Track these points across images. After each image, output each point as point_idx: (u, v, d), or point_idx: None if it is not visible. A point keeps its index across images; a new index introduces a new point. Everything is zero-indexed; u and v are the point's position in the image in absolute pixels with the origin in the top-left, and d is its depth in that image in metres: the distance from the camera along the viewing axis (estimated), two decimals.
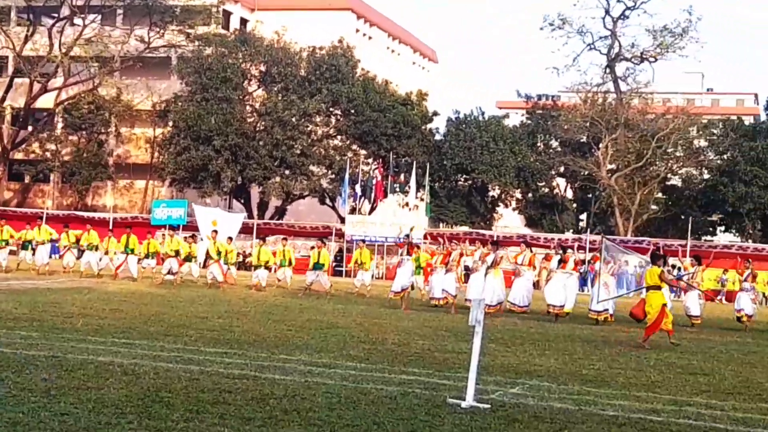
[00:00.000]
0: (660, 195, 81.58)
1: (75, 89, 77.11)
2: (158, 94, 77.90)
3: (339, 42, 76.05)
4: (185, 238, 40.06)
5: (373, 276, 41.97)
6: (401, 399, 11.32)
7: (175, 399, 10.42)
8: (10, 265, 39.17)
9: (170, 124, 75.27)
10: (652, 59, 79.12)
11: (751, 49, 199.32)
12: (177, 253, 37.30)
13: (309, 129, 74.65)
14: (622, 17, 78.94)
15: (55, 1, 75.27)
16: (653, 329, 20.99)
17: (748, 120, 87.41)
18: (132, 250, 38.24)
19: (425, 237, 56.66)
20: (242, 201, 76.18)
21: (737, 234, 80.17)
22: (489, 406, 11.07)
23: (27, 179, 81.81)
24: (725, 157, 77.52)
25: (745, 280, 32.05)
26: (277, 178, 72.70)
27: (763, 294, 53.43)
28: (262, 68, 74.44)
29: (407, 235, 35.21)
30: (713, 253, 42.57)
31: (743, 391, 13.98)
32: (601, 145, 76.19)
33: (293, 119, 71.65)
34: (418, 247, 35.70)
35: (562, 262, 29.32)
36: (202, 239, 42.40)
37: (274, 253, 39.07)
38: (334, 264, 52.72)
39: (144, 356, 13.89)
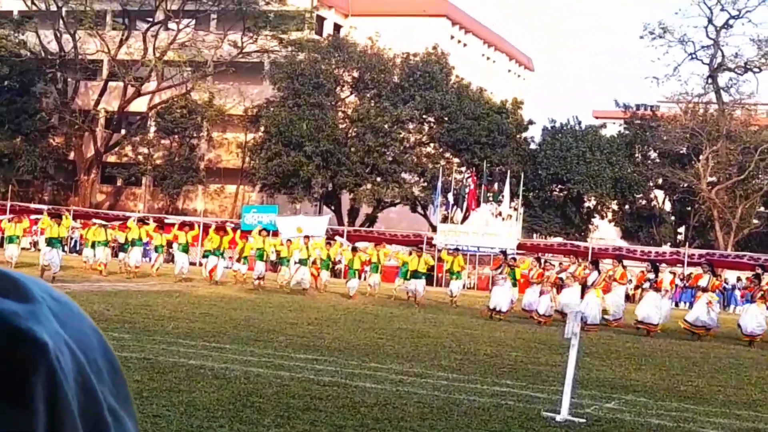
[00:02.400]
0: (762, 209, 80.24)
1: (168, 93, 78.19)
2: (250, 99, 78.71)
3: (433, 49, 76.06)
4: (280, 242, 40.41)
5: (464, 285, 41.87)
6: (494, 411, 11.26)
7: (265, 404, 10.48)
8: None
9: (262, 129, 75.91)
10: (756, 70, 77.87)
11: None
12: (264, 255, 37.71)
13: (401, 136, 74.75)
14: (725, 26, 77.80)
15: (150, 6, 76.32)
16: None
17: None
18: (222, 253, 38.70)
19: (518, 248, 56.39)
20: (332, 207, 76.49)
21: None
22: (584, 420, 10.96)
23: (119, 182, 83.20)
24: None
25: None
26: (369, 185, 72.93)
27: None
28: (355, 74, 74.72)
29: (503, 252, 35.02)
30: None
31: None
32: (701, 157, 75.19)
33: (386, 126, 71.84)
34: (514, 260, 35.42)
35: (655, 281, 29.14)
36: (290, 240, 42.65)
37: (368, 262, 39.25)
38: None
39: (234, 360, 14.00)
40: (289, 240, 39.99)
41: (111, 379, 1.03)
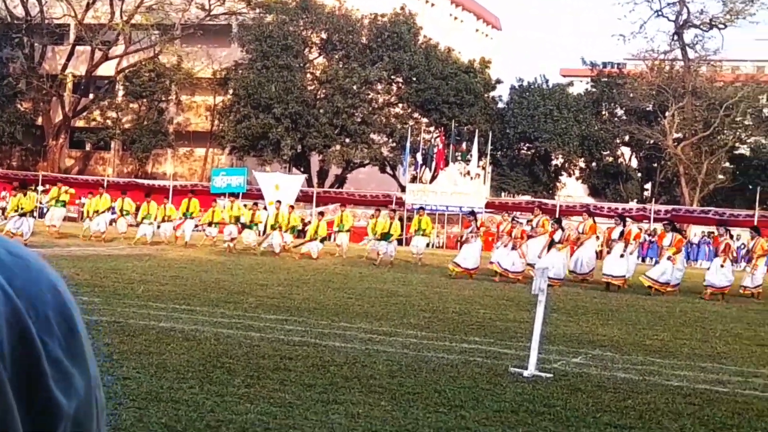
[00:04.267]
0: (727, 164, 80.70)
1: (136, 57, 77.73)
2: (219, 62, 78.34)
3: (401, 9, 75.87)
4: (245, 205, 40.37)
5: (432, 244, 41.92)
6: (462, 367, 11.34)
7: (236, 365, 10.51)
8: (67, 231, 39.69)
9: (230, 92, 75.66)
10: (721, 26, 78.06)
11: None
12: (237, 219, 37.61)
13: (370, 97, 74.67)
14: None
15: None
16: None
17: None
18: (191, 215, 38.61)
19: (486, 206, 56.50)
20: (302, 169, 76.36)
21: None
22: (551, 375, 11.05)
23: (88, 147, 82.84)
24: None
25: None
26: (338, 147, 72.87)
27: None
28: (323, 36, 74.46)
29: (472, 212, 35.08)
30: None
31: None
32: (667, 114, 75.47)
33: (354, 87, 71.69)
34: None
35: (622, 235, 29.22)
36: (265, 207, 42.58)
37: (331, 223, 39.25)
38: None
39: (205, 322, 14.03)
40: (255, 204, 40.01)
41: (63, 334, 1.06)
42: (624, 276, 28.64)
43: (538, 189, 79.03)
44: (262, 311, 16.08)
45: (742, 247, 30.45)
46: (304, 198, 57.16)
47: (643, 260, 40.56)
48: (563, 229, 29.60)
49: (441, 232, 59.07)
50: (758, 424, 9.08)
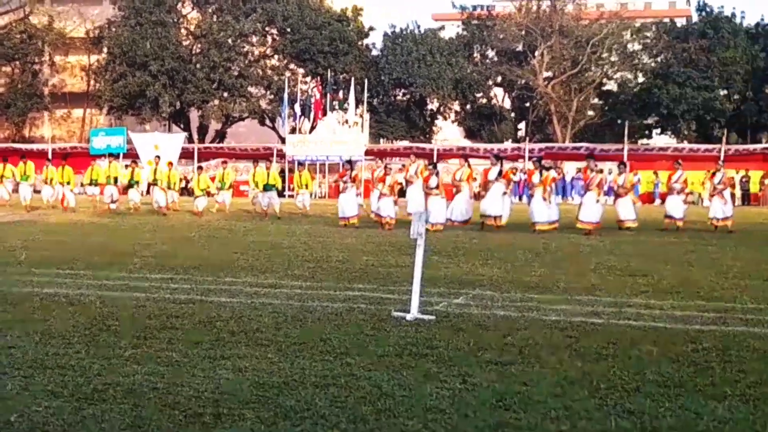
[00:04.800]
0: (596, 100, 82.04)
1: (5, 19, 75.68)
2: (91, 21, 76.78)
3: None
4: (126, 165, 39.82)
5: (314, 195, 41.97)
6: (347, 315, 11.41)
7: (122, 327, 10.43)
8: None
9: (105, 50, 74.28)
10: None
11: None
12: (115, 180, 37.10)
13: (245, 50, 74.10)
14: None
15: None
16: None
17: (680, 22, 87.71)
18: (27, 178, 38.01)
19: (366, 154, 56.63)
20: (182, 126, 75.60)
21: (672, 136, 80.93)
22: (434, 317, 11.17)
23: None
24: (659, 59, 78.02)
25: (675, 182, 31.78)
26: (216, 101, 72.30)
27: (699, 194, 54.07)
28: None
29: (349, 160, 35.09)
30: None
31: (681, 290, 14.19)
32: (536, 53, 76.36)
33: (229, 40, 71.05)
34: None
35: (500, 174, 29.44)
36: (143, 167, 42.08)
37: (213, 179, 39.00)
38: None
39: (89, 286, 13.85)
40: (134, 162, 39.53)
41: None
42: (501, 215, 28.96)
43: (415, 134, 79.43)
44: (147, 271, 15.95)
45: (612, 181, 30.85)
46: (185, 155, 56.65)
47: (520, 198, 41.04)
48: (438, 174, 29.72)
49: (323, 182, 59.10)
50: (632, 352, 9.32)
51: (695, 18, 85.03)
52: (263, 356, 8.89)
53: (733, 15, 78.83)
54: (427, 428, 6.60)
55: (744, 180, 57.23)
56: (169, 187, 37.41)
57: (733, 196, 33.02)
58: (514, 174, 34.22)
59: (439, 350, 9.29)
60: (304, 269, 16.52)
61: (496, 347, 9.50)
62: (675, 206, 30.59)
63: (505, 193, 29.78)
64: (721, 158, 45.27)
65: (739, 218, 33.59)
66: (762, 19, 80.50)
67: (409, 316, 11.11)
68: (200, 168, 41.56)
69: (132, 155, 49.02)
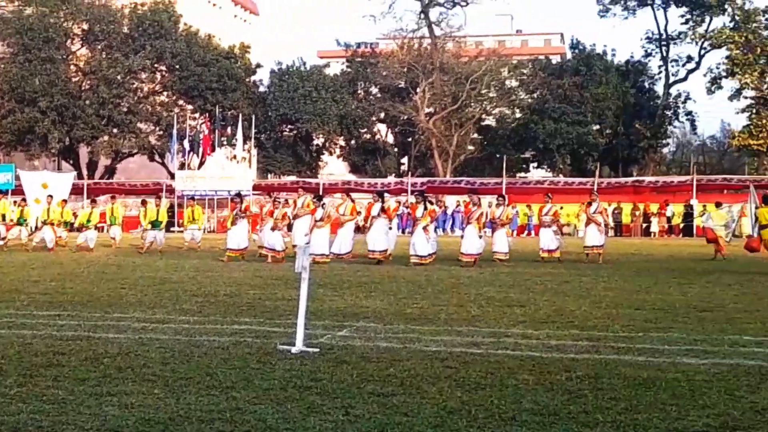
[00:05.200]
0: (476, 135, 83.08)
1: None
2: None
3: None
4: (15, 202, 39.01)
5: (204, 230, 41.71)
6: (233, 349, 11.33)
7: (7, 365, 10.19)
8: None
9: None
10: (463, 3, 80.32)
11: None
12: (3, 217, 36.36)
13: (135, 86, 73.41)
14: None
15: None
16: None
17: (555, 59, 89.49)
18: None
19: (254, 189, 56.46)
20: (71, 162, 74.49)
21: (549, 169, 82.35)
22: (318, 349, 11.16)
23: None
24: (535, 95, 79.44)
25: (545, 215, 32.23)
26: (106, 137, 71.42)
27: (575, 225, 55.05)
28: (85, 26, 72.69)
29: (238, 194, 34.96)
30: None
31: (557, 319, 14.39)
32: (418, 90, 77.06)
33: (118, 77, 70.33)
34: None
35: (383, 210, 29.50)
36: (30, 205, 41.22)
37: (103, 214, 38.50)
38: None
39: None
40: (24, 201, 38.77)
41: None
42: (386, 250, 29.03)
43: (302, 169, 79.48)
44: (34, 308, 15.62)
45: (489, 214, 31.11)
46: (75, 191, 55.79)
47: (403, 232, 41.27)
48: (323, 207, 29.80)
49: (212, 217, 58.70)
50: (509, 381, 9.41)
51: (569, 55, 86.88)
52: (150, 392, 8.78)
53: (605, 53, 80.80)
54: None
55: (616, 212, 58.41)
56: (62, 225, 36.86)
57: (606, 226, 33.59)
58: (396, 209, 34.34)
59: (323, 382, 9.28)
60: (192, 304, 16.37)
61: (379, 378, 9.52)
62: (547, 239, 31.02)
63: (390, 228, 29.96)
64: (595, 189, 46.14)
65: (612, 249, 34.27)
66: (632, 57, 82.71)
67: (294, 349, 11.08)
68: (93, 201, 40.95)
69: (21, 192, 48.04)
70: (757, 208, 26.89)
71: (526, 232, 56.20)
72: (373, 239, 28.98)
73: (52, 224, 36.12)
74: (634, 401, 8.50)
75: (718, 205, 35.93)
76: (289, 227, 31.20)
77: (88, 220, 36.38)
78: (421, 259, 27.84)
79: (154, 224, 35.60)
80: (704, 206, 50.31)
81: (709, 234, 33.75)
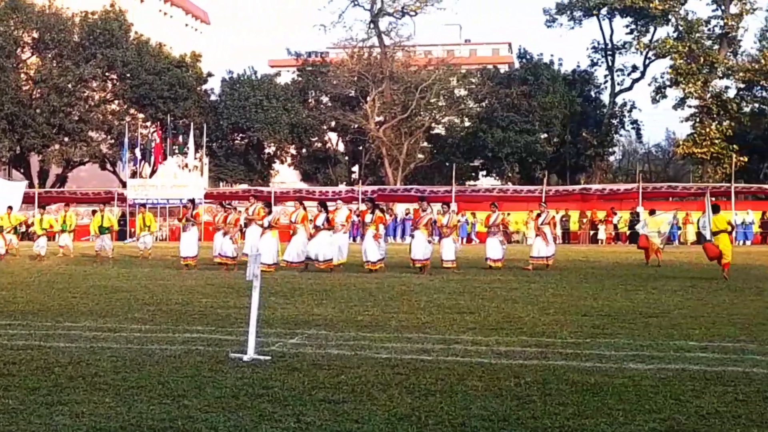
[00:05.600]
0: (425, 144, 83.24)
1: None
2: None
3: (111, 6, 74.44)
4: None
5: (156, 238, 41.49)
6: (185, 357, 11.27)
7: None
8: None
9: None
10: (412, 13, 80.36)
11: None
12: None
13: (86, 95, 72.85)
14: None
15: None
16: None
17: (503, 68, 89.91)
18: None
19: (206, 197, 56.24)
20: (22, 170, 73.77)
21: (497, 177, 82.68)
22: (270, 357, 11.13)
23: None
24: (484, 104, 79.78)
25: (492, 225, 32.15)
26: (57, 146, 70.79)
27: (523, 233, 55.31)
28: (35, 35, 72.01)
29: (191, 200, 34.84)
30: None
31: (506, 326, 14.45)
32: (368, 99, 77.08)
33: (69, 85, 69.76)
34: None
35: (327, 220, 29.36)
36: None
37: (56, 221, 38.20)
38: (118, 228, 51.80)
39: None
40: None
41: None
42: (331, 259, 28.87)
43: (253, 177, 79.22)
44: None
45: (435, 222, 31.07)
46: (26, 200, 55.25)
47: (354, 239, 41.27)
48: (272, 213, 29.79)
49: (163, 225, 58.36)
50: (459, 388, 9.44)
51: (517, 65, 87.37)
52: (101, 401, 8.71)
53: (552, 62, 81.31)
54: None
55: (564, 219, 58.78)
56: (12, 232, 36.52)
57: (554, 238, 33.82)
58: (349, 218, 34.29)
59: (275, 390, 9.26)
60: (144, 312, 16.27)
61: (330, 386, 9.52)
62: (493, 248, 31.03)
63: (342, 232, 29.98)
64: (543, 199, 46.39)
65: (560, 256, 34.48)
66: (578, 66, 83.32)
67: (246, 357, 11.05)
68: (42, 208, 40.57)
69: None
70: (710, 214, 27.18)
71: (466, 239, 56.29)
72: (315, 248, 28.71)
73: (2, 231, 35.74)
74: (581, 406, 8.55)
75: (652, 212, 36.41)
76: (242, 234, 31.12)
77: (42, 228, 36.16)
78: (372, 265, 27.89)
79: (101, 230, 35.42)
80: (637, 213, 50.84)
81: (642, 241, 34.25)
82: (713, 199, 53.80)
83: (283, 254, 29.15)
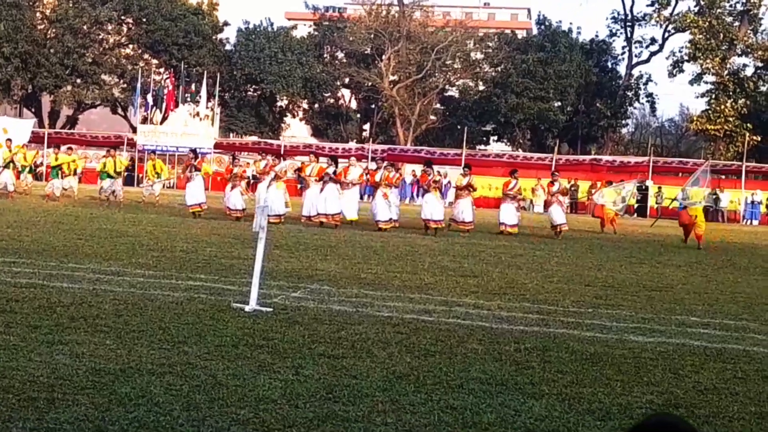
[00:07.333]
0: (438, 105, 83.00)
1: None
2: None
3: None
4: None
5: (164, 185, 41.52)
6: (187, 304, 11.31)
7: None
8: None
9: None
10: None
11: None
12: None
13: (101, 37, 72.62)
14: None
15: None
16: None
17: (521, 34, 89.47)
18: None
19: (215, 147, 56.20)
20: (33, 110, 73.70)
21: (508, 143, 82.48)
22: (271, 309, 11.16)
23: None
24: (499, 69, 79.37)
25: (510, 190, 32.08)
26: (69, 87, 70.64)
27: (531, 200, 55.24)
28: None
29: (193, 150, 34.82)
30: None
31: (509, 291, 14.47)
32: (384, 57, 76.77)
33: (84, 27, 69.51)
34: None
35: (335, 173, 29.31)
36: None
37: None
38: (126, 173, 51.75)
39: None
40: None
41: None
42: (339, 212, 28.87)
43: (264, 130, 79.09)
44: None
45: (449, 184, 31.20)
46: (35, 139, 55.20)
47: (361, 198, 41.21)
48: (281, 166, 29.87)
49: (172, 173, 58.37)
50: (459, 350, 9.46)
51: (535, 31, 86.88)
52: (101, 343, 8.75)
53: (570, 30, 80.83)
54: (258, 417, 6.59)
55: (573, 189, 58.65)
56: (27, 170, 36.63)
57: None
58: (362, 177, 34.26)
59: (275, 342, 9.29)
60: (148, 258, 16.30)
61: (330, 340, 9.54)
62: (508, 214, 31.00)
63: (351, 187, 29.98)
64: (554, 168, 46.30)
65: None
66: (597, 36, 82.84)
67: (247, 308, 11.08)
68: (57, 147, 40.58)
69: None
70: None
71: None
72: (322, 201, 28.70)
73: (15, 168, 35.76)
74: (580, 375, 8.57)
75: (608, 183, 37.39)
76: (249, 185, 31.13)
77: (52, 168, 36.29)
78: (385, 224, 27.90)
79: (110, 175, 35.48)
80: (646, 187, 51.75)
81: (597, 211, 35.38)
82: (723, 177, 53.86)
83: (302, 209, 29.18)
